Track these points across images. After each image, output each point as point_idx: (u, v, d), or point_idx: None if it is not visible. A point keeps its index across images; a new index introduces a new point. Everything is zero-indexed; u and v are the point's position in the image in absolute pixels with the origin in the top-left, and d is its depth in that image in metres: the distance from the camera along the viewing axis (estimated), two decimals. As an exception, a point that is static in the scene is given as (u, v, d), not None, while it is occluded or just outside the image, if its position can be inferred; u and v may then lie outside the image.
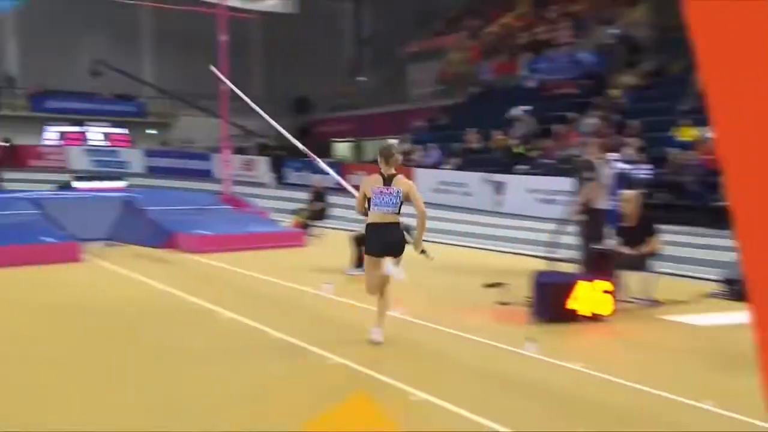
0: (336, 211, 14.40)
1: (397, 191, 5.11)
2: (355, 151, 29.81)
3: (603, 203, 7.59)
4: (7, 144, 23.67)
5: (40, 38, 28.18)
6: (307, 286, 7.75)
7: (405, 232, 5.26)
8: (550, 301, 6.16)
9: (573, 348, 5.48)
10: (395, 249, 5.08)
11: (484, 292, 7.30)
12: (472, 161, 16.88)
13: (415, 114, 23.77)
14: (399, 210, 5.14)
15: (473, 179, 15.64)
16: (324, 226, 13.22)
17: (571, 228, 7.77)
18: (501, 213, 14.45)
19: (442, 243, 12.26)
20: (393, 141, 6.29)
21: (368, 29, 35.07)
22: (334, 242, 12.11)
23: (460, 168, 16.83)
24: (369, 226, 5.14)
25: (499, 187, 14.94)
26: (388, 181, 5.13)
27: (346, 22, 35.94)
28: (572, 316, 6.10)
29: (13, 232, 9.89)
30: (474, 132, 17.92)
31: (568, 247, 7.69)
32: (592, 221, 7.52)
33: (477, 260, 10.48)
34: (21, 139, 24.97)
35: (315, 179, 13.75)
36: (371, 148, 27.24)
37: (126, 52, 29.96)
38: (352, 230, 11.98)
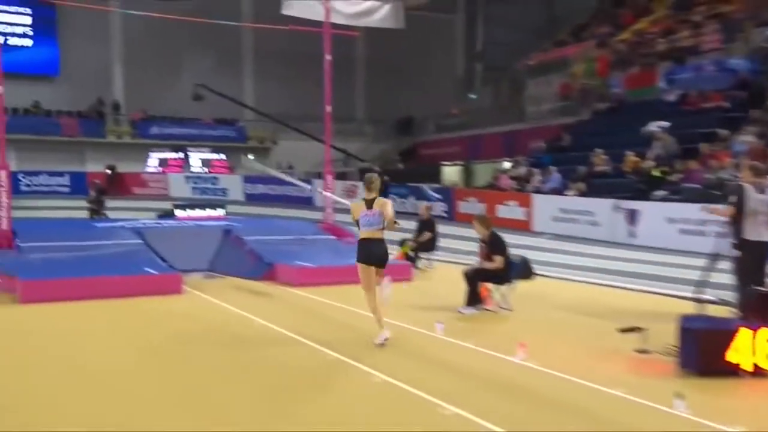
0: (445, 242, 14.39)
1: (379, 212, 6.83)
2: (465, 176, 29.75)
3: (763, 235, 7.09)
4: (110, 172, 25.78)
5: (144, 64, 30.74)
6: (416, 324, 7.75)
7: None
8: (702, 351, 5.77)
9: (732, 408, 5.08)
10: (380, 258, 6.94)
11: (619, 337, 6.96)
12: (599, 186, 16.31)
13: (532, 134, 23.41)
14: (383, 227, 6.87)
15: (601, 207, 15.09)
16: (432, 258, 13.22)
17: (723, 264, 7.29)
18: (634, 245, 13.82)
19: (565, 279, 11.90)
20: (375, 172, 7.82)
21: (481, 42, 35.11)
22: (444, 276, 12.06)
23: (585, 194, 16.32)
24: (360, 241, 6.97)
25: (632, 216, 14.32)
26: (369, 204, 6.89)
27: (457, 35, 36.24)
28: (730, 370, 5.67)
29: (115, 263, 10.67)
30: (601, 153, 17.35)
31: (721, 287, 7.21)
32: (751, 256, 7.03)
33: (607, 299, 10.05)
34: (125, 167, 27.12)
35: (422, 207, 13.83)
36: (483, 172, 27.07)
37: (227, 75, 31.97)
38: (463, 263, 11.92)
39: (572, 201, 16.19)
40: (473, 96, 33.46)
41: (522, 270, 9.20)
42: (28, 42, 29.53)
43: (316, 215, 19.41)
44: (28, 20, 29.48)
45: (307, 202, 23.52)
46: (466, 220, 17.73)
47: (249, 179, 26.12)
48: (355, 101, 34.83)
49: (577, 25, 28.07)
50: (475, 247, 9.58)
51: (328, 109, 14.52)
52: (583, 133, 20.25)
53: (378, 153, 32.19)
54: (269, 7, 26.28)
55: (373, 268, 6.92)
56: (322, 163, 17.29)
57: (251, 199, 25.00)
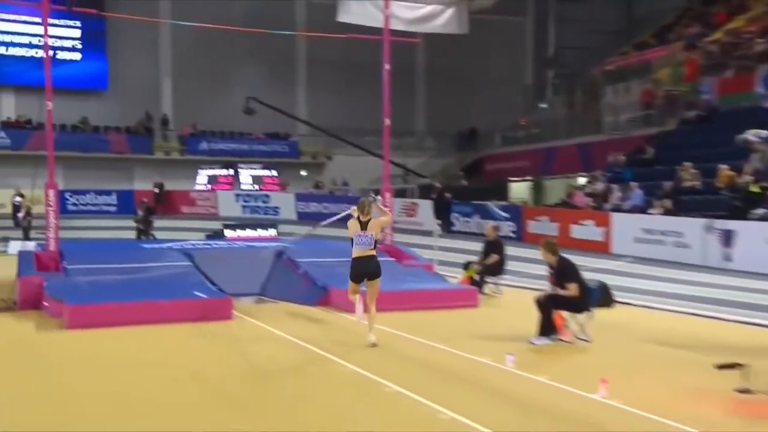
0: (514, 265, 14.22)
1: (372, 234, 8.30)
2: (535, 192, 29.41)
3: None
4: (158, 190, 26.58)
5: (193, 76, 31.76)
6: (484, 356, 7.66)
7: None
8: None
9: None
10: (373, 272, 8.35)
11: (715, 374, 6.69)
12: (687, 204, 15.86)
13: (610, 146, 23.00)
14: (375, 246, 8.32)
15: (691, 227, 14.65)
16: (500, 282, 13.09)
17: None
18: (730, 270, 13.34)
19: (650, 307, 11.57)
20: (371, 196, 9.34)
21: (553, 46, 34.82)
22: (513, 302, 11.92)
23: (671, 213, 15.88)
24: (354, 259, 8.32)
25: (726, 237, 13.83)
26: (364, 226, 8.29)
27: (526, 39, 36.05)
28: None
29: (164, 286, 10.93)
30: (690, 167, 16.88)
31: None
32: None
33: (699, 331, 9.71)
34: (173, 184, 27.93)
35: (488, 227, 13.72)
36: (556, 188, 26.70)
37: (279, 87, 32.67)
38: (534, 288, 11.74)
39: (657, 220, 15.79)
40: (544, 105, 33.14)
41: (601, 297, 9.02)
42: (77, 56, 30.92)
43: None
44: (77, 33, 30.88)
45: (363, 222, 23.60)
46: (537, 240, 17.46)
47: (302, 197, 26.51)
48: (415, 113, 35.00)
49: (661, 26, 27.55)
50: (542, 274, 9.43)
51: (387, 121, 14.62)
52: (669, 144, 19.81)
53: (439, 168, 32.19)
54: (324, 14, 26.80)
55: (358, 284, 8.53)
56: (380, 180, 17.37)
57: (304, 217, 25.32)
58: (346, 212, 8.66)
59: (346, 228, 8.42)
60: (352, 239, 8.41)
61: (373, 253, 8.33)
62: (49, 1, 12.45)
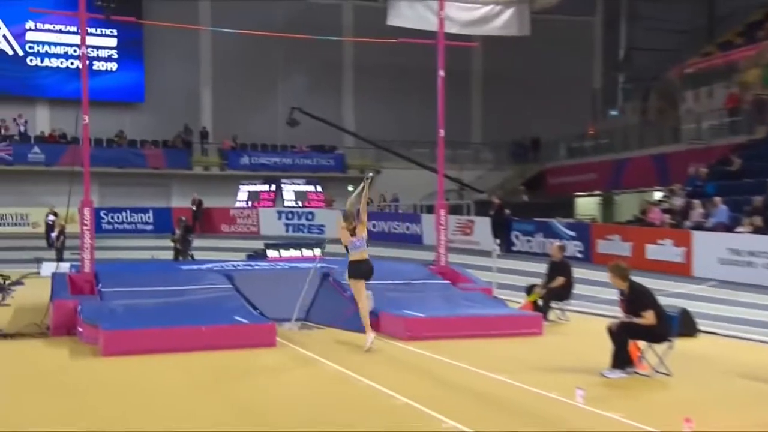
0: (582, 288, 14.02)
1: (362, 237, 10.00)
2: (604, 209, 29.00)
3: None
4: (195, 207, 27.10)
5: (234, 87, 32.42)
6: (551, 389, 7.55)
7: None
8: None
9: None
10: (369, 273, 10.18)
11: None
12: (780, 221, 15.44)
13: (690, 156, 22.62)
14: (366, 246, 10.09)
15: (784, 246, 14.25)
16: (567, 308, 12.91)
17: None
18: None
19: (738, 337, 11.24)
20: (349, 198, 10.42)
21: (624, 47, 34.36)
22: (582, 330, 11.76)
23: (761, 231, 15.47)
24: (351, 262, 10.12)
25: (826, 258, 13.38)
26: (353, 232, 10.01)
27: (594, 41, 35.72)
28: None
29: (203, 311, 11.08)
30: (782, 179, 16.47)
31: None
32: None
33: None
34: (212, 201, 28.46)
35: (553, 246, 13.56)
36: (628, 203, 26.30)
37: (324, 97, 33.09)
38: (605, 315, 11.54)
39: (745, 239, 15.45)
40: (614, 113, 32.74)
41: (682, 325, 8.80)
42: (113, 66, 31.90)
43: (426, 256, 19.45)
44: (113, 42, 31.85)
45: (415, 240, 23.69)
46: (607, 261, 17.17)
47: (349, 214, 26.60)
48: (471, 123, 34.99)
49: (748, 23, 26.95)
50: (614, 299, 9.27)
51: (441, 132, 14.62)
52: (758, 154, 19.48)
53: (498, 182, 32.05)
54: (372, 18, 27.23)
55: (362, 281, 10.14)
56: (434, 195, 17.36)
57: (351, 237, 25.43)
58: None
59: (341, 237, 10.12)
60: (346, 247, 10.17)
61: (367, 255, 10.16)
62: (87, 9, 12.85)
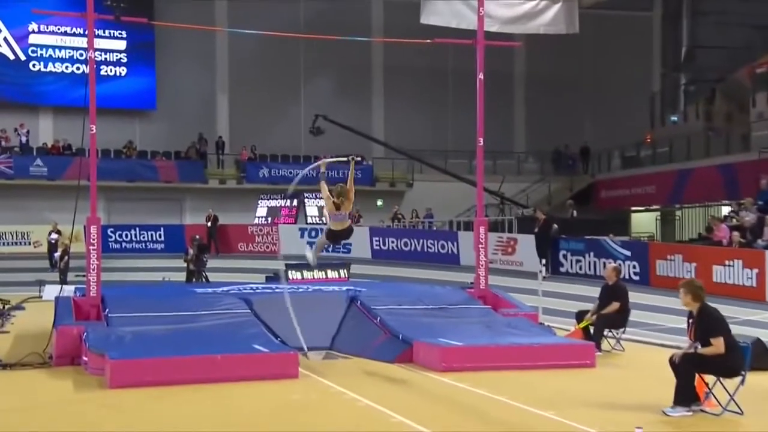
0: (639, 315, 13.87)
1: (346, 213, 11.34)
2: (664, 225, 28.71)
3: None
4: (209, 224, 27.28)
5: (253, 93, 32.69)
6: (606, 428, 7.47)
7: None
8: None
9: None
10: (345, 237, 11.81)
11: None
12: None
13: (762, 167, 22.41)
14: (348, 218, 11.46)
15: None
16: (622, 336, 12.77)
17: None
18: None
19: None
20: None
21: (686, 45, 33.97)
22: (640, 361, 11.63)
23: None
24: (330, 229, 11.49)
25: None
26: (338, 207, 11.22)
27: (653, 38, 35.44)
28: None
29: (218, 338, 11.13)
30: None
31: None
32: None
33: None
34: (228, 217, 28.67)
35: (607, 268, 13.44)
36: (692, 219, 26.02)
37: (351, 103, 33.26)
38: (667, 345, 11.39)
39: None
40: (675, 118, 32.42)
41: (755, 357, 8.63)
42: (122, 70, 32.34)
43: (463, 277, 19.39)
44: (123, 45, 32.31)
45: (451, 261, 23.61)
46: (667, 285, 17.00)
47: (378, 232, 26.70)
48: (513, 130, 34.91)
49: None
50: (682, 321, 9.13)
51: (480, 141, 14.59)
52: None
53: (543, 196, 31.91)
54: (404, 16, 27.27)
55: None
56: (472, 210, 17.32)
57: (380, 256, 25.50)
58: (316, 164, 11.91)
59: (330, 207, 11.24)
60: (329, 216, 11.64)
61: (348, 222, 11.48)
62: (95, 10, 12.99)
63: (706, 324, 8.23)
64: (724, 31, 31.23)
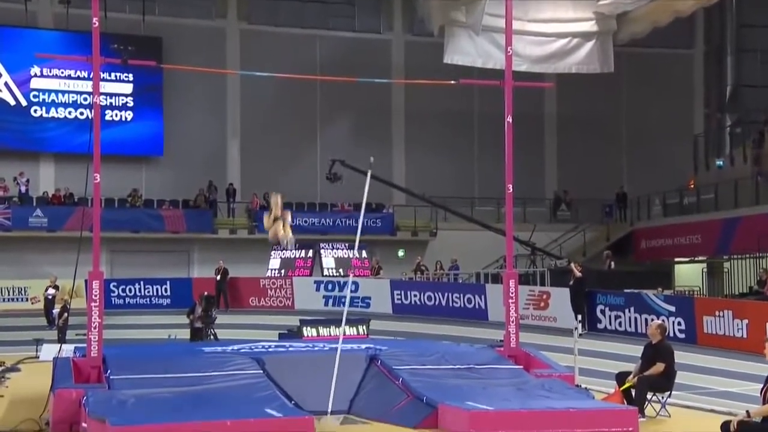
0: (685, 377, 13.66)
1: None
2: (711, 278, 28.41)
3: None
4: (218, 277, 27.28)
5: (265, 138, 32.94)
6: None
7: None
8: None
9: None
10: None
11: None
12: None
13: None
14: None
15: None
16: (669, 401, 12.55)
17: None
18: None
19: None
20: None
21: (731, 84, 33.96)
22: (687, 428, 11.51)
23: None
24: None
25: None
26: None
27: (695, 77, 35.45)
28: None
29: (228, 402, 11.06)
30: None
31: None
32: None
33: None
34: (239, 269, 28.68)
35: (651, 326, 13.26)
36: (742, 272, 25.68)
37: (370, 148, 32.94)
38: (720, 411, 11.17)
39: None
40: (720, 162, 32.24)
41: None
42: (128, 115, 32.68)
43: (492, 334, 19.22)
44: (129, 89, 32.69)
45: (479, 316, 23.45)
46: (716, 343, 16.76)
47: (399, 285, 26.60)
48: (544, 176, 34.89)
49: None
50: (737, 384, 8.96)
51: (509, 187, 14.56)
52: None
53: (578, 246, 31.73)
54: (426, 56, 27.57)
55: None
56: (501, 262, 17.22)
57: (402, 311, 25.35)
58: None
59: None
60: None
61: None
62: (101, 53, 13.13)
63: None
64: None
